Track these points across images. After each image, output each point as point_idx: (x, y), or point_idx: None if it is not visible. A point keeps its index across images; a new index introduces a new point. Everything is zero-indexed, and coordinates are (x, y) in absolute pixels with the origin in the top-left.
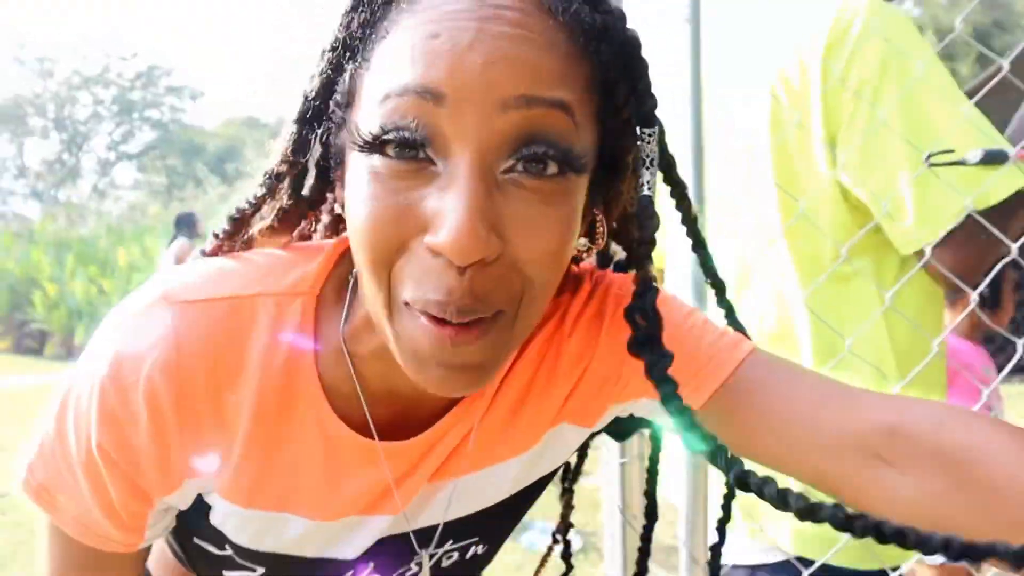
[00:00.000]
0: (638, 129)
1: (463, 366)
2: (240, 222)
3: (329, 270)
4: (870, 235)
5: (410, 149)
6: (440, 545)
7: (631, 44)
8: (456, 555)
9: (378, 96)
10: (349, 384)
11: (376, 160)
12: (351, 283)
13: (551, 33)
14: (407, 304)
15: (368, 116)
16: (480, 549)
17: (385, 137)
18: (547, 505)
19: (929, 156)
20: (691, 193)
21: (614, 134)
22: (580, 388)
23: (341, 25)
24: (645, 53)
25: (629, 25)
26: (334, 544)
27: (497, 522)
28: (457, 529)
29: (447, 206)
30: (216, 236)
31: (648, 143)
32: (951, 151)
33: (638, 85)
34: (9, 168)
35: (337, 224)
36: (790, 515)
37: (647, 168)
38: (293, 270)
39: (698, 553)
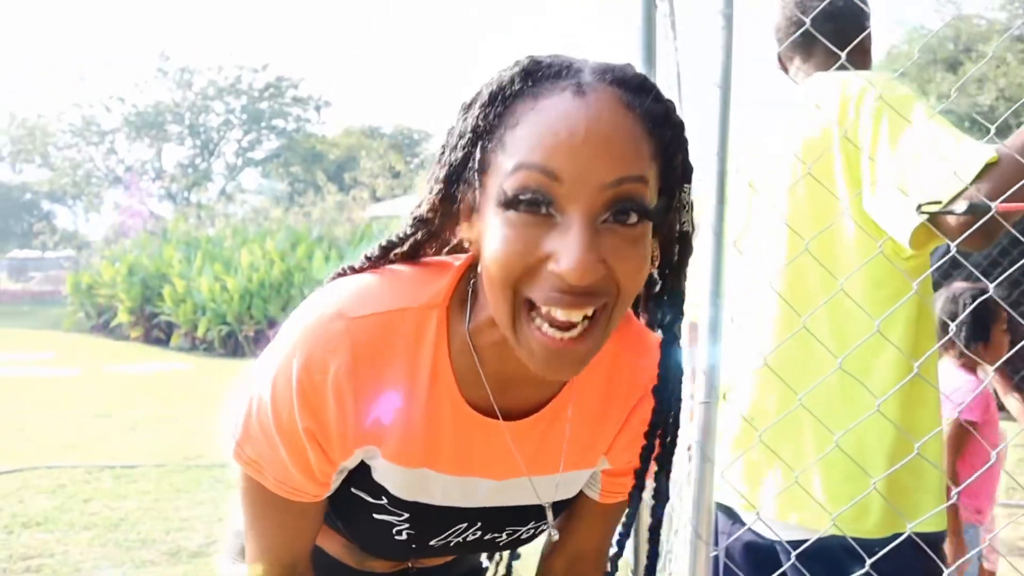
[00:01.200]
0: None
1: (572, 362)
2: (387, 249)
3: (455, 285)
4: (892, 278)
5: (536, 206)
6: (515, 524)
7: (681, 127)
8: (528, 534)
9: (511, 167)
10: (474, 371)
11: (511, 214)
12: (470, 293)
13: (631, 124)
14: (531, 305)
15: (503, 181)
16: (536, 534)
17: (521, 197)
18: None
19: (919, 206)
20: (712, 238)
21: (670, 189)
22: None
23: (480, 116)
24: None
25: (678, 112)
26: (458, 496)
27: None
28: (529, 514)
29: (568, 245)
30: (367, 258)
31: (687, 193)
32: (939, 202)
33: (687, 155)
34: (148, 171)
35: (447, 250)
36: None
37: (687, 211)
38: (429, 286)
39: (702, 530)
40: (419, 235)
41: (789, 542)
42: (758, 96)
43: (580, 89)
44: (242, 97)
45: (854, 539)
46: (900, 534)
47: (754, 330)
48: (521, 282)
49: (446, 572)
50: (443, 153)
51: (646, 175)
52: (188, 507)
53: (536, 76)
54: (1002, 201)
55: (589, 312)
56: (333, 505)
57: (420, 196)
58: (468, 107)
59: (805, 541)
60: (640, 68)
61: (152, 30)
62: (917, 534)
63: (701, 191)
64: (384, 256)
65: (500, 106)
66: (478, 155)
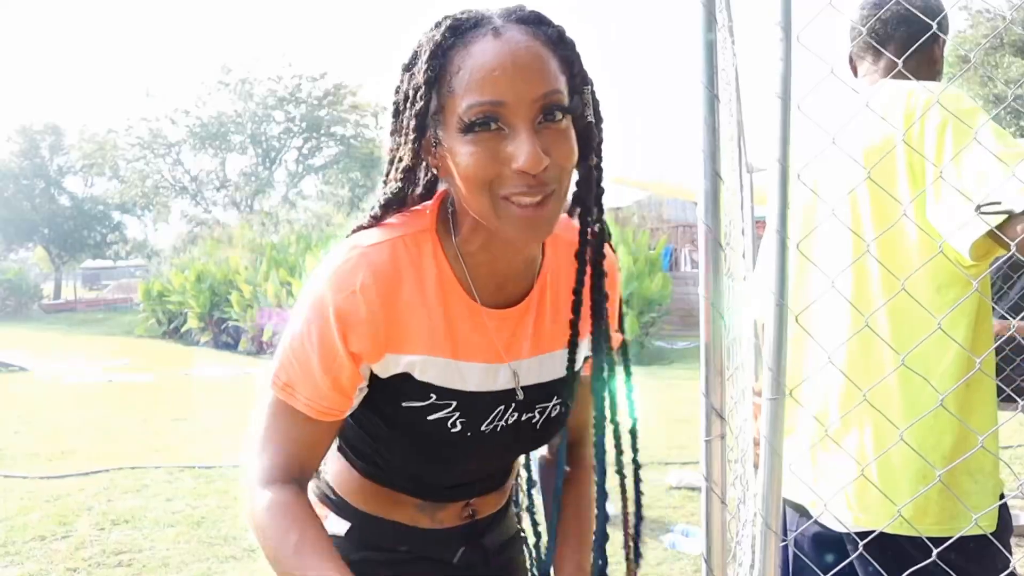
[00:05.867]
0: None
1: (541, 224)
2: (386, 207)
3: (436, 215)
4: (954, 283)
5: (488, 126)
6: (541, 401)
7: (573, 44)
8: (555, 411)
9: (465, 106)
10: (466, 276)
11: (472, 135)
12: (451, 217)
13: (539, 49)
14: (504, 198)
15: (462, 115)
16: (562, 410)
17: (477, 122)
18: (690, 511)
19: (979, 207)
20: (776, 240)
21: (577, 89)
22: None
23: (427, 69)
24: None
25: (567, 33)
26: (486, 381)
27: (566, 390)
28: (548, 390)
29: (520, 146)
30: (373, 218)
31: (587, 93)
32: (999, 203)
33: (582, 63)
34: (213, 180)
35: (423, 199)
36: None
37: (588, 106)
38: (416, 221)
39: (771, 521)
40: (405, 185)
41: (856, 533)
42: (818, 103)
43: (497, 32)
44: (301, 106)
45: (915, 536)
46: (960, 533)
47: (824, 336)
48: (493, 183)
49: (496, 524)
50: (403, 110)
51: (559, 85)
52: None
53: (459, 30)
54: None
55: (548, 192)
56: (399, 429)
57: (393, 154)
58: (410, 67)
59: (871, 532)
60: (703, 76)
61: (214, 44)
62: (977, 534)
63: (766, 194)
64: (385, 213)
65: (441, 58)
66: (434, 101)
